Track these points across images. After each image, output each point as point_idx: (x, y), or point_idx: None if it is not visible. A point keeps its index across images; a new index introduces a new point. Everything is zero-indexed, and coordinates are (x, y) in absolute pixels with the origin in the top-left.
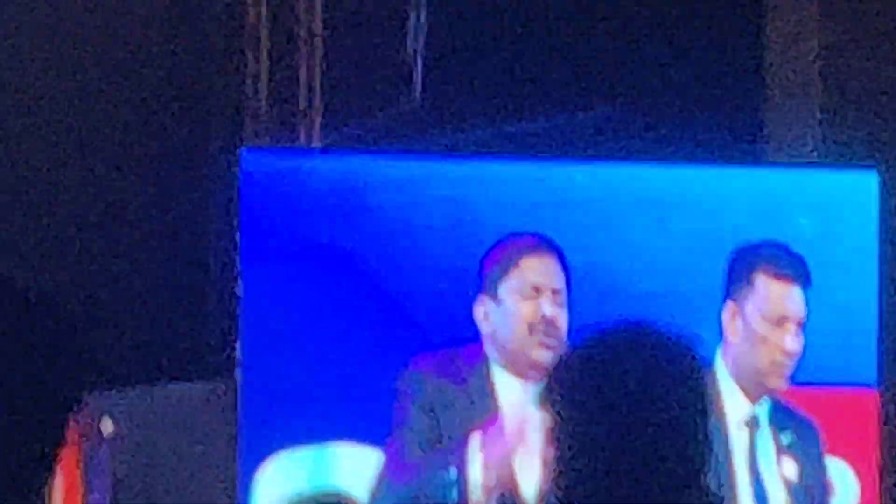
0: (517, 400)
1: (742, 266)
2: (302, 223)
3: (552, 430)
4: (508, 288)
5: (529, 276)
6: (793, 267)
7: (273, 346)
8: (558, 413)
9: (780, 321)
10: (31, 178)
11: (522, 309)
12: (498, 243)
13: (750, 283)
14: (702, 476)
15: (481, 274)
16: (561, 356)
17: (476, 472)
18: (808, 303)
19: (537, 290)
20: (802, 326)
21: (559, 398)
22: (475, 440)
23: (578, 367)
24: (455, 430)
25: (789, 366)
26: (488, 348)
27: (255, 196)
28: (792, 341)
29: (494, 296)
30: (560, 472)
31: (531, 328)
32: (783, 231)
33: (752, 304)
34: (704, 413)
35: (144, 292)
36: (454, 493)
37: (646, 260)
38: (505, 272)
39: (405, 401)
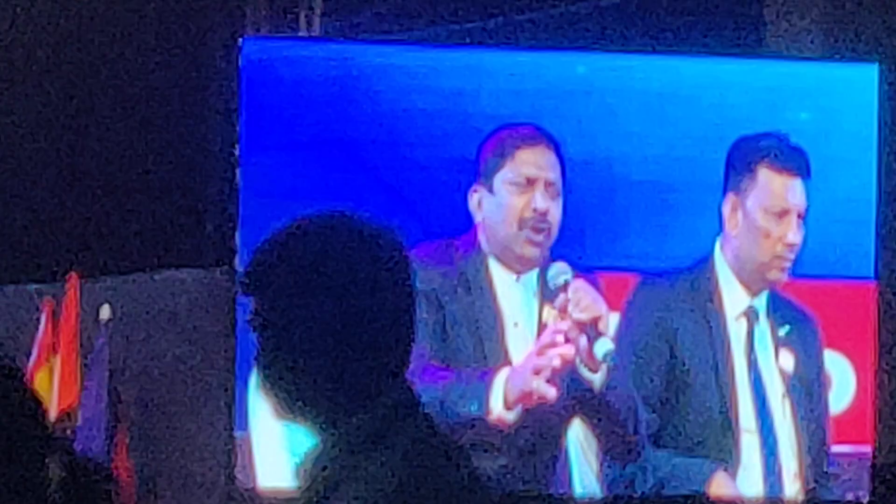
0: (511, 294)
1: (743, 159)
2: (302, 112)
3: (252, 314)
4: (503, 178)
5: (524, 167)
6: (794, 160)
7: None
8: (259, 297)
9: (783, 214)
10: (36, 71)
11: (515, 200)
12: (495, 132)
13: (752, 176)
14: (403, 366)
15: (478, 162)
16: (263, 240)
17: (498, 404)
18: (808, 195)
19: (531, 181)
20: (803, 218)
21: (260, 282)
22: (500, 378)
23: (280, 250)
24: (461, 329)
25: (790, 258)
26: (481, 238)
27: (255, 84)
28: (794, 234)
29: (489, 185)
30: (261, 356)
31: (521, 222)
32: (783, 123)
33: (753, 197)
34: (409, 304)
35: (145, 180)
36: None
37: (645, 150)
38: (500, 162)
39: None
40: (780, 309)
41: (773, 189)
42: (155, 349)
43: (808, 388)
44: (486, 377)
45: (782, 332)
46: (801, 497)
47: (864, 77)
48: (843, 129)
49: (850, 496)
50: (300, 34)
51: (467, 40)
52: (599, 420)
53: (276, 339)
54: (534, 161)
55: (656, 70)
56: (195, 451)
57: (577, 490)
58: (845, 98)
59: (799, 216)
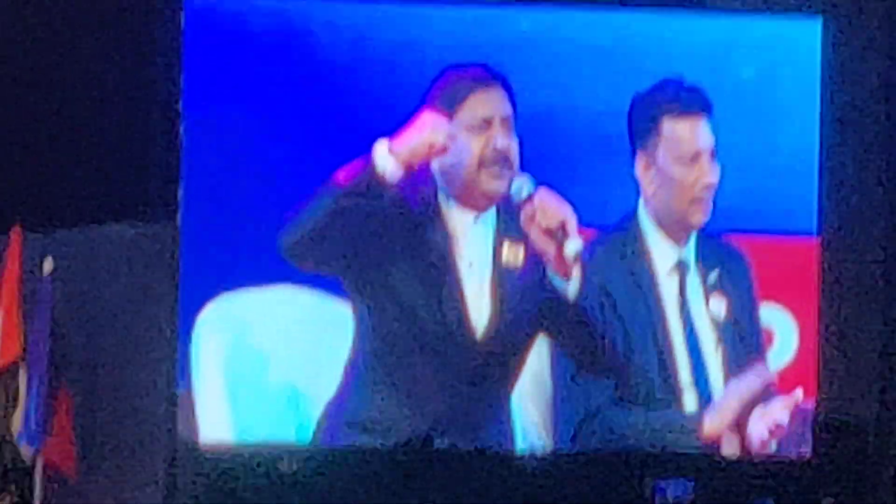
0: (469, 234)
1: (644, 114)
2: (246, 66)
3: None
4: (459, 123)
5: (479, 109)
6: (694, 101)
7: (215, 188)
8: None
9: (695, 157)
10: None
11: (473, 143)
12: (443, 74)
13: (657, 130)
14: None
15: (428, 103)
16: None
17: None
18: (714, 129)
19: (488, 122)
20: (715, 155)
21: None
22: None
23: None
24: (414, 270)
25: (709, 198)
26: (438, 180)
27: (199, 38)
28: (709, 173)
29: None
30: None
31: (482, 161)
32: (727, 77)
33: (662, 150)
34: None
35: (88, 134)
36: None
37: (588, 104)
38: (454, 107)
39: None
40: (709, 253)
41: (680, 136)
42: (97, 302)
43: (740, 331)
44: None
45: (712, 278)
46: (738, 451)
47: (808, 31)
48: (786, 84)
49: (792, 452)
50: None
51: None
52: (573, 332)
53: None
54: (488, 102)
55: (600, 24)
56: (138, 405)
57: (519, 445)
58: (789, 52)
59: (710, 154)
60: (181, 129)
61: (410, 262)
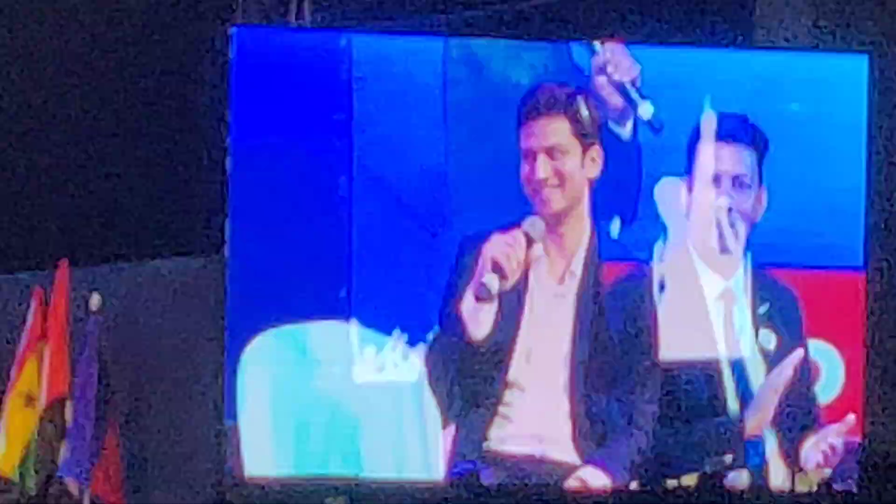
0: None
1: (690, 144)
2: (292, 100)
3: None
4: None
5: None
6: (729, 128)
7: (261, 224)
8: None
9: (715, 180)
10: (26, 61)
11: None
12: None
13: (695, 154)
14: None
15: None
16: None
17: None
18: (759, 161)
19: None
20: (743, 184)
21: None
22: None
23: None
24: None
25: (728, 223)
26: None
27: (245, 74)
28: (725, 198)
29: None
30: None
31: None
32: (774, 114)
33: (695, 174)
34: None
35: (135, 169)
36: None
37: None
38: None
39: None
40: (759, 288)
41: (704, 158)
42: (144, 338)
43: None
44: None
45: (762, 310)
46: (787, 484)
47: (855, 68)
48: (833, 120)
49: (838, 486)
50: (290, 24)
51: (450, 29)
52: None
53: None
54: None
55: (649, 60)
56: (184, 439)
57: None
58: (836, 89)
59: (735, 180)
60: (228, 163)
61: None
